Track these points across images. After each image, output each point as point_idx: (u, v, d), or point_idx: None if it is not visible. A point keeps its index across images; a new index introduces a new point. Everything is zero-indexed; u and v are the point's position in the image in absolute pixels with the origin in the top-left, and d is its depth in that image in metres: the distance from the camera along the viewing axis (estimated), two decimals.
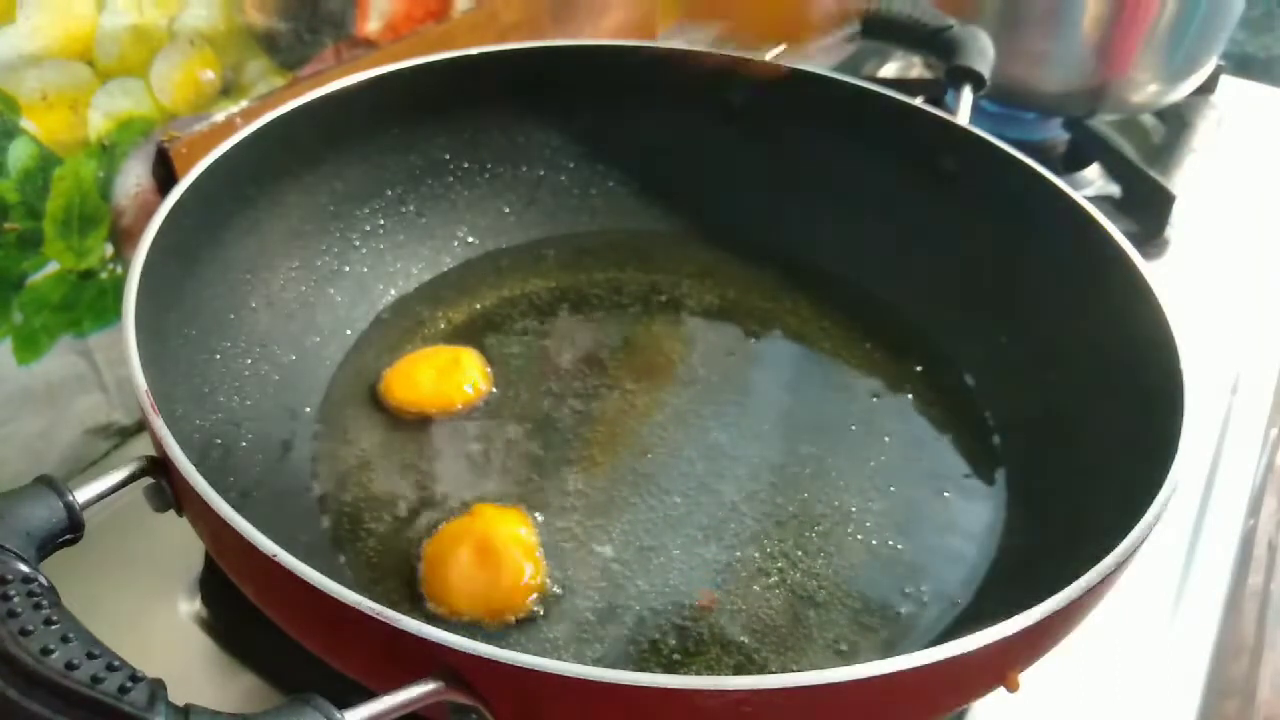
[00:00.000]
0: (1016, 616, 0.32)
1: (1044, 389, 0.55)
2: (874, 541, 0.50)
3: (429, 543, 0.47)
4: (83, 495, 0.33)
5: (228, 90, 0.59)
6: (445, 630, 0.30)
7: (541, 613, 0.45)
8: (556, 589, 0.46)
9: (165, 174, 0.56)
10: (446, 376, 0.56)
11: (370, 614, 0.30)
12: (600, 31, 0.84)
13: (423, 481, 0.51)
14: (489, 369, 0.57)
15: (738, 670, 0.44)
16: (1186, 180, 0.88)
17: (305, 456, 0.51)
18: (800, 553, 0.49)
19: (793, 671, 0.31)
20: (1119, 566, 0.35)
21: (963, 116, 0.61)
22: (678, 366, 0.59)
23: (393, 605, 0.31)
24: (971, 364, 0.60)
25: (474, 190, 0.66)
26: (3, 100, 0.48)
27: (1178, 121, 0.97)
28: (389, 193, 0.62)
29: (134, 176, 0.56)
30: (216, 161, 0.49)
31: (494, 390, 0.56)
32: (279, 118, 0.53)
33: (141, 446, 0.38)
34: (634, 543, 0.48)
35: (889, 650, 0.45)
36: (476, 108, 0.64)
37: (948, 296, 0.62)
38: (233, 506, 0.33)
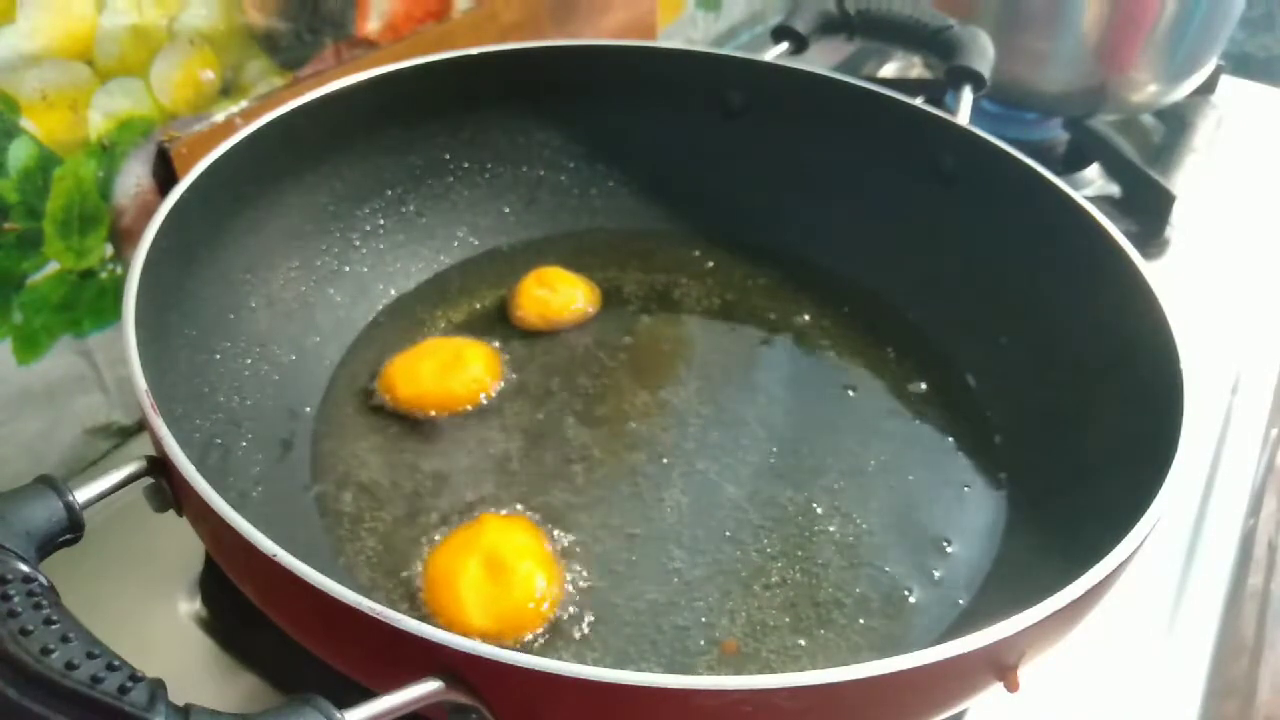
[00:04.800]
0: (1016, 616, 0.32)
1: (1044, 389, 0.55)
2: (874, 541, 0.50)
3: (431, 558, 0.47)
4: (83, 495, 0.33)
5: (228, 90, 0.59)
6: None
7: (558, 622, 0.45)
8: (558, 575, 0.46)
9: (165, 174, 0.56)
10: (449, 373, 0.56)
11: (370, 614, 0.30)
12: (600, 31, 0.84)
13: (423, 481, 0.51)
14: (496, 360, 0.58)
15: (738, 670, 0.44)
16: (1186, 180, 0.88)
17: (305, 456, 0.51)
18: (800, 552, 0.49)
19: (793, 671, 0.31)
20: (1119, 566, 0.35)
21: (963, 116, 0.61)
22: (678, 366, 0.59)
23: (393, 606, 0.31)
24: (972, 364, 0.60)
25: (474, 190, 0.66)
26: (3, 100, 0.48)
27: (1178, 121, 0.97)
28: (389, 193, 0.62)
29: (134, 176, 0.56)
30: (216, 161, 0.49)
31: (495, 389, 0.56)
32: (279, 118, 0.53)
33: (141, 446, 0.38)
34: (634, 543, 0.48)
35: (889, 650, 0.45)
36: (476, 108, 0.64)
37: (948, 296, 0.62)
38: (233, 506, 0.33)
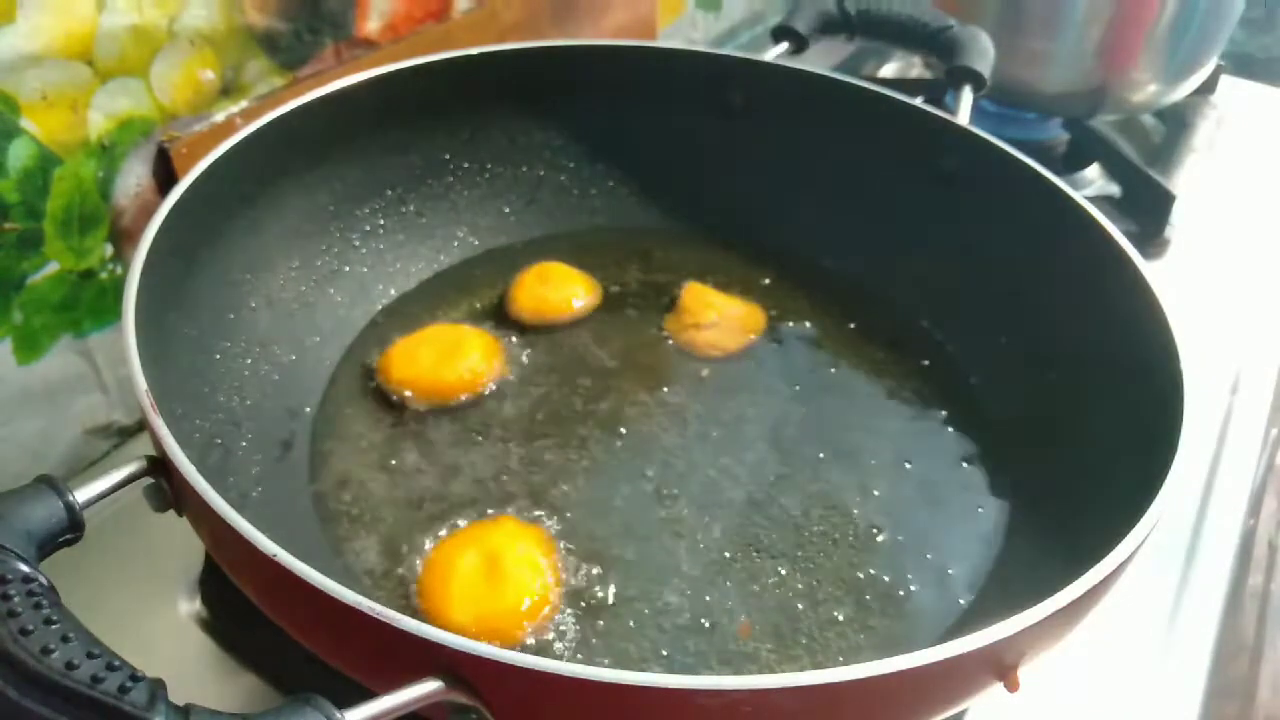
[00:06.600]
0: (1016, 616, 0.32)
1: (1044, 389, 0.55)
2: (874, 541, 0.50)
3: (437, 548, 0.47)
4: (83, 495, 0.33)
5: (228, 90, 0.59)
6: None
7: (557, 622, 0.45)
8: (556, 593, 0.46)
9: (165, 174, 0.56)
10: (448, 359, 0.56)
11: (370, 614, 0.30)
12: (600, 31, 0.84)
13: (423, 481, 0.51)
14: (497, 348, 0.58)
15: (738, 670, 0.44)
16: (1186, 180, 0.88)
17: (305, 456, 0.51)
18: (800, 552, 0.49)
19: (793, 671, 0.31)
20: (1119, 566, 0.35)
21: (963, 116, 0.61)
22: (678, 366, 0.59)
23: (393, 606, 0.31)
24: (972, 364, 0.60)
25: (474, 190, 0.66)
26: (3, 100, 0.48)
27: (1178, 121, 0.97)
28: (389, 193, 0.62)
29: (134, 176, 0.56)
30: (216, 161, 0.49)
31: (494, 390, 0.56)
32: (279, 118, 0.53)
33: (141, 446, 0.38)
34: (634, 542, 0.48)
35: (889, 650, 0.45)
36: (476, 108, 0.64)
37: (948, 296, 0.62)
38: (233, 506, 0.33)
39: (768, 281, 0.66)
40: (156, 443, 0.36)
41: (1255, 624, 0.58)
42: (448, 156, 0.65)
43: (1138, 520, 0.36)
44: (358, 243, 0.61)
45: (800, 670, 0.38)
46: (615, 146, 0.68)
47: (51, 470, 0.34)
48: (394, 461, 0.52)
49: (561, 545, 0.48)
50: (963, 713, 0.46)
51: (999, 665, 0.34)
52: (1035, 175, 0.56)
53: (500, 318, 0.61)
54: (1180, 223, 0.83)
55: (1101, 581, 0.34)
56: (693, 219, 0.69)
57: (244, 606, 0.36)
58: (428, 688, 0.29)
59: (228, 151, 0.50)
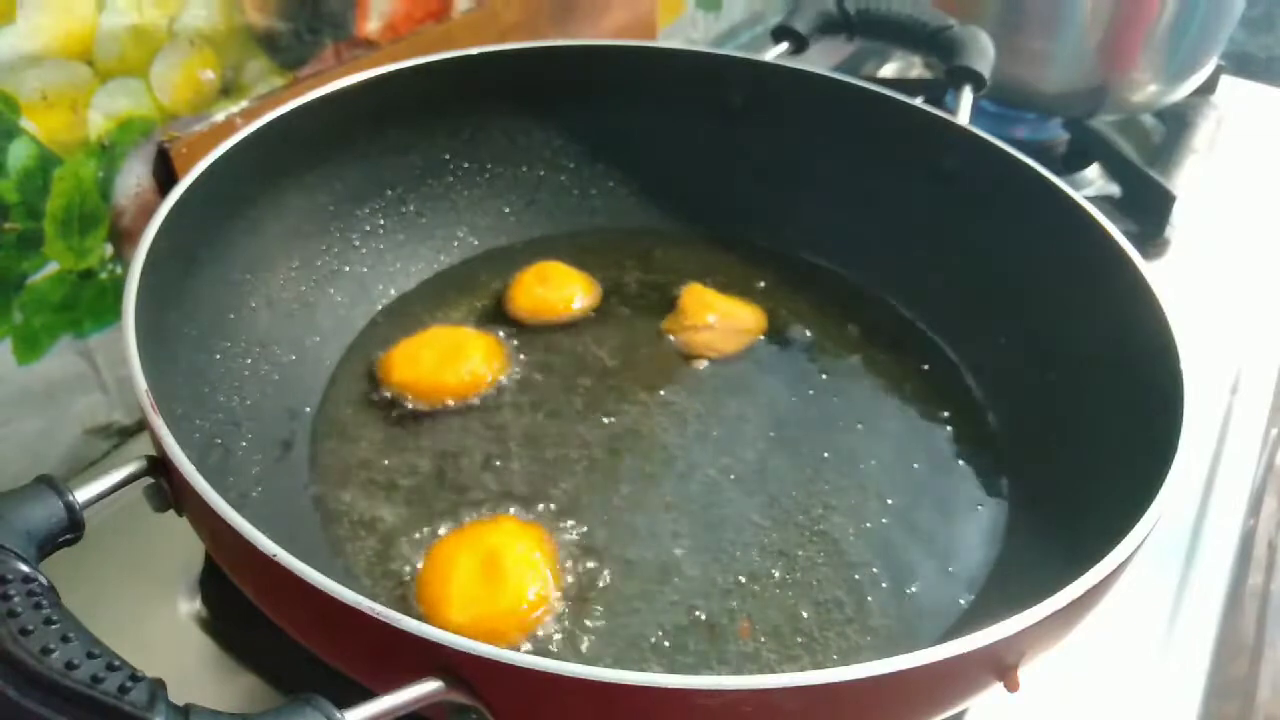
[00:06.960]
0: (1016, 616, 0.32)
1: (1044, 389, 0.55)
2: (874, 541, 0.50)
3: (435, 546, 0.47)
4: (83, 495, 0.33)
5: (228, 90, 0.59)
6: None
7: (542, 635, 0.45)
8: (555, 593, 0.46)
9: (165, 174, 0.56)
10: (449, 362, 0.56)
11: (370, 614, 0.30)
12: (600, 31, 0.84)
13: (422, 481, 0.51)
14: (498, 351, 0.58)
15: (738, 670, 0.44)
16: (1186, 180, 0.88)
17: (305, 456, 0.51)
18: (800, 553, 0.49)
19: (793, 671, 0.31)
20: (1119, 566, 0.35)
21: (963, 116, 0.61)
22: (678, 367, 0.59)
23: (392, 606, 0.31)
24: (972, 364, 0.60)
25: (474, 190, 0.66)
26: (3, 100, 0.48)
27: (1178, 121, 0.97)
28: (389, 193, 0.62)
29: (134, 176, 0.56)
30: (216, 161, 0.49)
31: (494, 390, 0.56)
32: (279, 118, 0.53)
33: (141, 446, 0.38)
34: (634, 542, 0.48)
35: (889, 650, 0.45)
36: (476, 108, 0.64)
37: (948, 296, 0.62)
38: (232, 506, 0.33)
39: (767, 283, 0.66)
40: (156, 443, 0.36)
41: (1255, 624, 0.58)
42: (448, 156, 0.65)
43: (1138, 520, 0.36)
44: (358, 243, 0.61)
45: (800, 670, 0.38)
46: (615, 146, 0.68)
47: (51, 470, 0.34)
48: (394, 461, 0.52)
49: (561, 545, 0.48)
50: (963, 713, 0.46)
51: (999, 665, 0.34)
52: (1035, 175, 0.56)
53: (500, 318, 0.61)
54: (1180, 223, 0.83)
55: (1101, 581, 0.34)
56: (693, 219, 0.69)
57: (244, 606, 0.36)
58: (428, 688, 0.29)
59: (228, 151, 0.50)
